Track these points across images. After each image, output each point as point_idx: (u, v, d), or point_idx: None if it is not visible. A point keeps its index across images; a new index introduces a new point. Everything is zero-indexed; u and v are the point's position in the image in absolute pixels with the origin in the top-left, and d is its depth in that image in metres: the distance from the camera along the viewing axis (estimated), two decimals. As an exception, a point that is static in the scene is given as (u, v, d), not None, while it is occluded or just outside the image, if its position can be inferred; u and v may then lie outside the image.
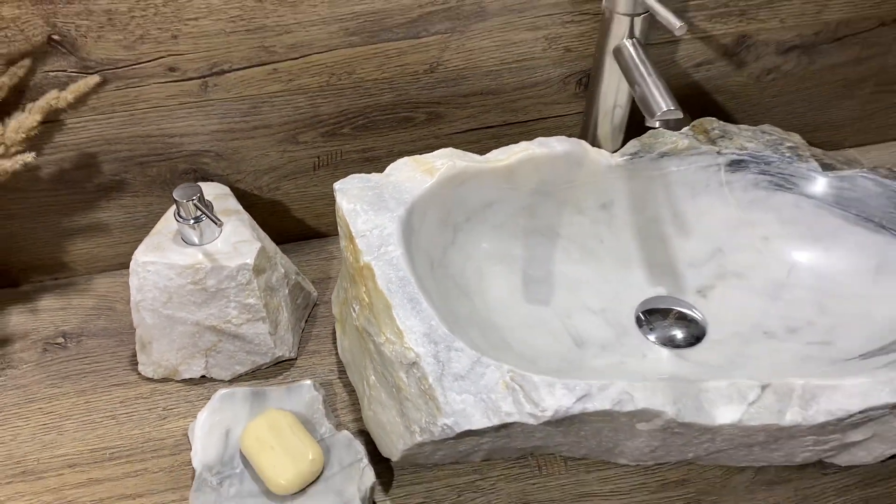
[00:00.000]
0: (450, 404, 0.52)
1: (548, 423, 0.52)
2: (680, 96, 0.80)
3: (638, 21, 0.66)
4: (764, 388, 0.54)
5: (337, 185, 0.63)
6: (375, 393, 0.59)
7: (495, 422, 0.52)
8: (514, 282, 0.69)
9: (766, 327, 0.69)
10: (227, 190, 0.71)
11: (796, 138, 0.75)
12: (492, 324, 0.65)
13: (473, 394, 0.52)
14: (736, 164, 0.73)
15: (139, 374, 0.69)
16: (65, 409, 0.66)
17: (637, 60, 0.65)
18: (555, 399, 0.51)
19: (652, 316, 0.70)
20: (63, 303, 0.75)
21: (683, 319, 0.70)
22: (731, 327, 0.69)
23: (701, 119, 0.76)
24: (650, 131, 0.74)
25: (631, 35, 0.67)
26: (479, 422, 0.52)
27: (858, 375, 0.55)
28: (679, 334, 0.69)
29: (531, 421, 0.51)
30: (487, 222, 0.69)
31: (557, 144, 0.70)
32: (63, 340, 0.72)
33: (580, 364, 0.64)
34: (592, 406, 0.51)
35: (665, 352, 0.68)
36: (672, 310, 0.71)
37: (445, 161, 0.66)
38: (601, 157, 0.71)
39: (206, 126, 0.69)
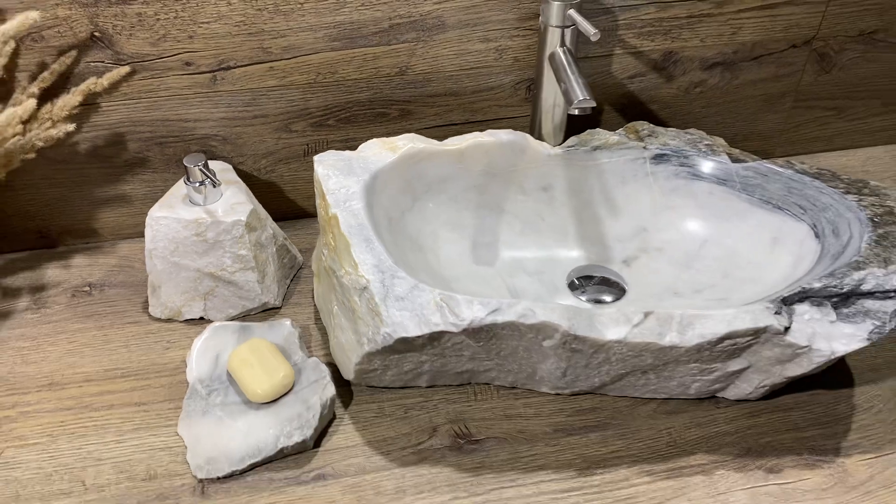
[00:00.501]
0: (390, 317, 0.65)
1: (467, 332, 0.65)
2: (618, 104, 0.94)
3: (567, 32, 0.80)
4: (647, 314, 0.66)
5: (316, 157, 0.77)
6: (337, 320, 0.72)
7: (425, 331, 0.64)
8: (464, 245, 0.83)
9: (677, 289, 0.81)
10: (229, 167, 0.85)
11: (719, 141, 0.88)
12: (440, 274, 0.78)
13: (410, 310, 0.65)
14: (659, 158, 0.86)
15: (149, 315, 0.82)
16: (86, 339, 0.80)
17: (565, 63, 0.79)
18: (472, 311, 0.64)
19: (581, 280, 0.83)
20: (91, 261, 0.89)
21: (608, 283, 0.83)
22: (648, 289, 0.82)
23: (634, 122, 0.89)
24: (588, 130, 0.88)
25: (562, 44, 0.81)
26: (412, 330, 0.65)
27: (728, 309, 0.67)
28: (602, 294, 0.82)
29: (453, 329, 0.64)
30: (444, 194, 0.82)
31: (503, 135, 0.84)
32: (89, 289, 0.86)
33: (513, 310, 0.77)
34: (502, 318, 0.64)
35: (587, 305, 0.80)
36: (598, 276, 0.83)
37: (407, 142, 0.80)
38: (542, 147, 0.85)
39: (215, 113, 0.84)
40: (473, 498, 0.67)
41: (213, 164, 0.85)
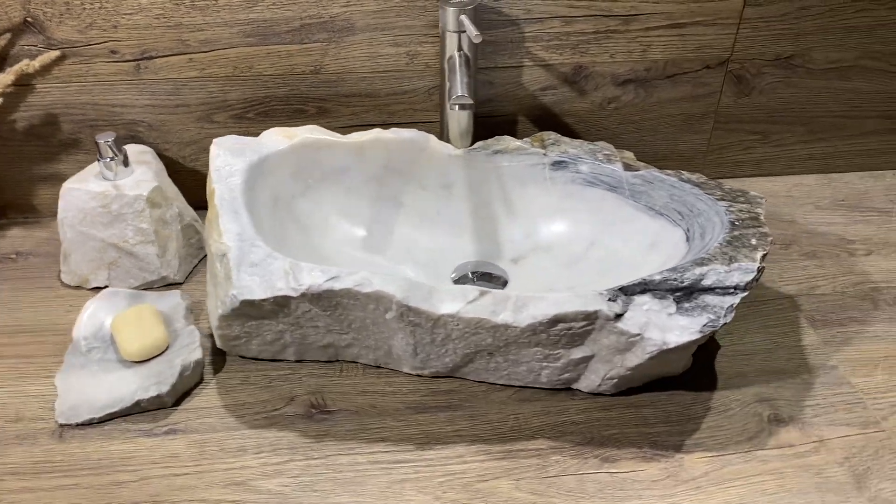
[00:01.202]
0: (240, 281, 0.69)
1: (308, 297, 0.68)
2: (532, 115, 0.98)
3: (463, 37, 0.84)
4: (484, 293, 0.69)
5: (216, 140, 0.83)
6: (211, 288, 0.76)
7: (269, 294, 0.68)
8: (357, 233, 0.86)
9: (554, 286, 0.83)
10: (150, 151, 0.92)
11: (627, 154, 0.90)
12: (325, 256, 0.82)
13: (260, 276, 0.69)
14: (558, 164, 0.89)
15: (61, 281, 0.88)
16: (-1, 299, 0.87)
17: (457, 65, 0.83)
18: (311, 278, 0.68)
19: (471, 274, 0.86)
20: (26, 234, 0.96)
21: (492, 278, 0.85)
22: (528, 284, 0.84)
23: (542, 132, 0.93)
24: (495, 137, 0.92)
25: (459, 48, 0.85)
26: (258, 293, 0.68)
27: (562, 293, 0.68)
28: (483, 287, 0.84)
29: (293, 293, 0.68)
30: (341, 184, 0.87)
31: (405, 133, 0.88)
32: (15, 257, 0.92)
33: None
34: (339, 285, 0.67)
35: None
36: (483, 271, 0.86)
37: (306, 133, 0.85)
38: (444, 148, 0.89)
39: (140, 100, 0.91)
40: (309, 461, 0.69)
41: (135, 147, 0.91)
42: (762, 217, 0.76)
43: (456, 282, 0.85)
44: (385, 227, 0.88)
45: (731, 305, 0.67)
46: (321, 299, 0.69)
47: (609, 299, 0.67)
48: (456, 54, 0.85)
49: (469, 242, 0.89)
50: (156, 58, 0.88)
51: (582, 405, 0.74)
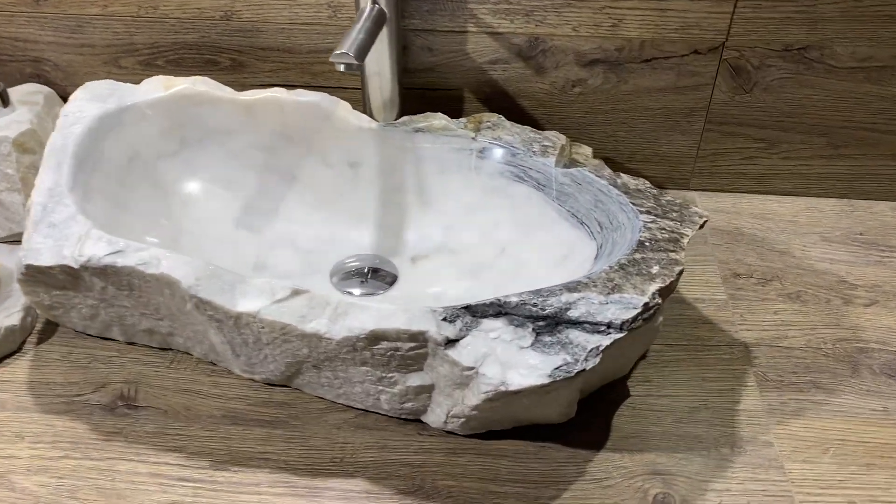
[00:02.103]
0: (30, 242, 0.59)
1: (91, 272, 0.57)
2: (480, 93, 0.83)
3: (379, -13, 0.71)
4: (298, 293, 0.56)
5: (87, 84, 0.73)
6: (36, 248, 0.67)
7: (53, 262, 0.58)
8: (233, 206, 0.75)
9: (441, 297, 0.69)
10: (46, 91, 0.83)
11: (584, 150, 0.75)
12: (180, 226, 0.71)
13: (55, 239, 0.59)
14: (487, 152, 0.74)
15: (-68, 223, 0.82)
16: None
17: (363, 18, 0.70)
18: (95, 248, 0.57)
19: (353, 269, 0.73)
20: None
21: (379, 277, 0.72)
22: (414, 290, 0.70)
23: (483, 114, 0.78)
24: (427, 113, 0.78)
25: (374, 1, 0.72)
26: (45, 259, 0.58)
27: (388, 304, 0.55)
28: (363, 288, 0.71)
29: (73, 264, 0.57)
30: (224, 148, 0.75)
31: (308, 95, 0.76)
32: None
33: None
34: (122, 261, 0.56)
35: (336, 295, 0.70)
36: (372, 267, 0.73)
37: (189, 84, 0.74)
38: (355, 118, 0.76)
39: (43, 36, 0.83)
40: (83, 461, 0.59)
41: (28, 87, 0.83)
42: (685, 241, 0.59)
43: (335, 276, 0.72)
44: (270, 205, 0.76)
45: (598, 348, 0.52)
46: (108, 275, 0.58)
47: (443, 318, 0.53)
48: (369, 5, 0.72)
49: (368, 233, 0.76)
50: (54, -11, 0.80)
51: (427, 443, 0.61)
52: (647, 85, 0.81)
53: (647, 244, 0.58)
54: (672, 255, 0.57)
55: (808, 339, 0.70)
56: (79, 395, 0.64)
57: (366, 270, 0.72)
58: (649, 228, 0.60)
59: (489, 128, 0.76)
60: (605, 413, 0.63)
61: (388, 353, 0.55)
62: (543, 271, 0.67)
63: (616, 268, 0.56)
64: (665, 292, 0.55)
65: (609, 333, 0.52)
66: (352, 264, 0.73)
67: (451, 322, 0.53)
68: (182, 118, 0.74)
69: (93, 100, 0.71)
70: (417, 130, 0.76)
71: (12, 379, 0.65)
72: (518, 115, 0.84)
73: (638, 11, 0.76)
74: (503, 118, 0.77)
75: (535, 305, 0.53)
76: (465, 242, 0.73)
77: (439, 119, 0.76)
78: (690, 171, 0.87)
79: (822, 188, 0.87)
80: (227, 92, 0.75)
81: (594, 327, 0.52)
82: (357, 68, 0.68)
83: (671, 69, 0.80)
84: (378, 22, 0.70)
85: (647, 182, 0.68)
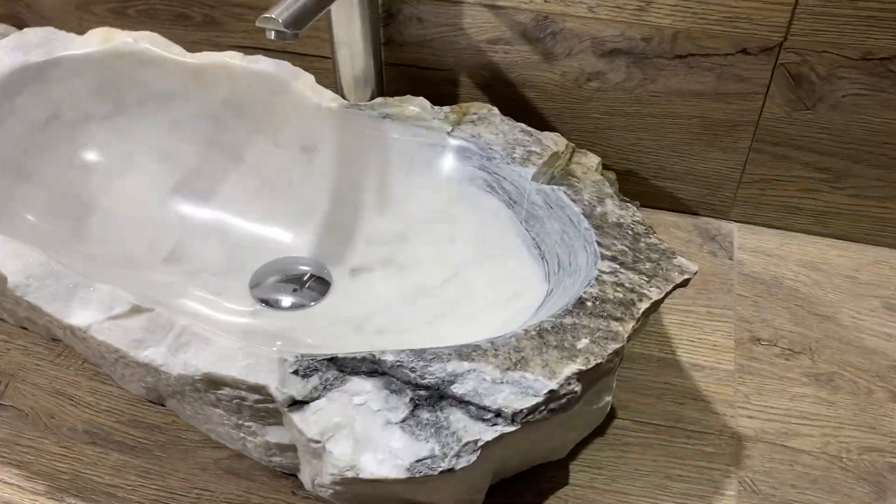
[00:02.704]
0: None
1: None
2: (480, 78, 0.70)
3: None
4: (139, 310, 0.45)
5: (26, 29, 0.66)
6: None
7: None
8: (164, 182, 0.65)
9: (366, 325, 0.57)
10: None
11: (590, 160, 0.60)
12: (90, 199, 0.62)
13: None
14: (461, 152, 0.62)
15: None
16: None
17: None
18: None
19: (276, 274, 0.62)
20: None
21: (306, 288, 0.61)
22: (341, 309, 0.59)
23: (473, 103, 0.65)
24: (405, 96, 0.66)
25: (338, -43, 0.60)
26: None
27: (237, 343, 0.43)
28: (285, 299, 0.60)
29: None
30: (165, 115, 0.66)
31: (264, 64, 0.65)
32: None
33: (142, 272, 0.59)
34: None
35: (250, 306, 0.59)
36: (300, 277, 0.62)
37: (132, 39, 0.65)
38: (315, 94, 0.65)
39: (14, -28, 0.76)
40: (-86, 464, 0.52)
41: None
42: (641, 308, 0.44)
43: (256, 281, 0.62)
44: (206, 186, 0.66)
45: (476, 443, 0.39)
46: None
47: (294, 371, 0.42)
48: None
49: (311, 232, 0.65)
50: (19, -80, 0.72)
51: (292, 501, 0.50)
52: (679, 87, 0.65)
53: (588, 304, 0.44)
54: (614, 325, 0.42)
55: (826, 442, 0.54)
56: (-57, 383, 0.57)
57: (301, 278, 0.61)
58: (602, 282, 0.45)
59: (472, 121, 0.63)
60: (526, 504, 0.50)
61: (235, 402, 0.44)
62: (487, 309, 0.54)
63: (533, 333, 0.42)
64: (591, 377, 0.41)
65: (495, 424, 0.39)
66: (280, 268, 0.62)
67: (304, 377, 0.41)
68: (117, 77, 0.65)
69: (16, 49, 0.63)
70: (385, 116, 0.63)
71: None
72: (521, 108, 0.70)
73: (672, -6, 0.60)
74: (495, 110, 0.64)
75: (413, 370, 0.41)
76: (416, 257, 0.61)
77: (414, 105, 0.64)
78: (732, 199, 0.70)
79: (900, 238, 0.68)
80: (176, 52, 0.65)
81: (480, 412, 0.39)
82: (292, 38, 0.56)
83: (711, 70, 0.63)
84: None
85: (637, 213, 0.53)
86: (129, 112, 0.66)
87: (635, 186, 0.72)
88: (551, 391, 0.39)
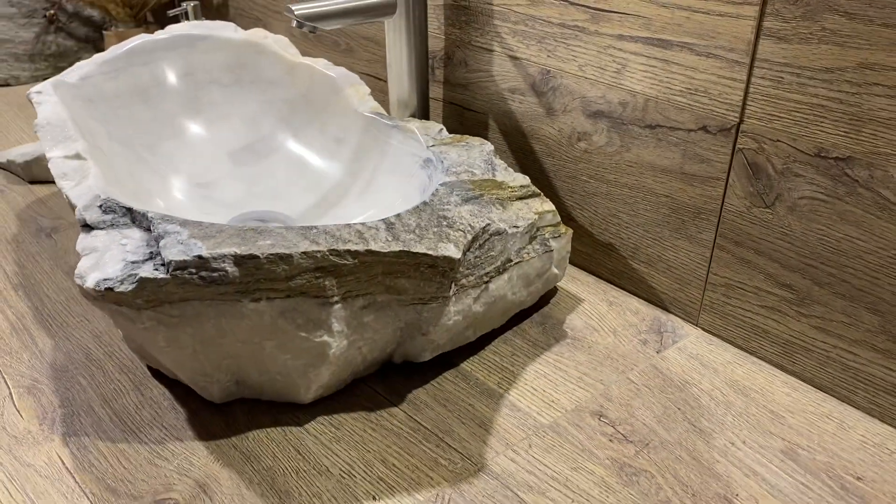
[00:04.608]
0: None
1: None
2: (502, 123, 0.76)
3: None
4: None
5: (209, 21, 0.90)
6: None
7: None
8: (235, 141, 0.83)
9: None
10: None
11: (545, 205, 0.64)
12: (179, 128, 0.82)
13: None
14: (426, 163, 0.69)
15: None
16: None
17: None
18: None
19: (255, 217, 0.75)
20: None
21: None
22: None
23: (476, 137, 0.72)
24: (427, 121, 0.75)
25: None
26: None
27: None
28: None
29: None
30: (265, 94, 0.84)
31: (334, 71, 0.80)
32: None
33: (183, 184, 0.77)
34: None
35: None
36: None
37: (264, 36, 0.85)
38: (355, 100, 0.78)
39: (259, -1, 1.04)
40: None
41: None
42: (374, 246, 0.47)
43: (238, 219, 0.75)
44: (263, 151, 0.82)
45: (138, 275, 0.46)
46: None
47: (100, 206, 0.54)
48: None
49: (299, 203, 0.76)
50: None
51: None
52: (651, 160, 0.63)
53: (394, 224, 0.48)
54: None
55: (565, 513, 0.47)
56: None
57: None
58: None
59: (457, 146, 0.69)
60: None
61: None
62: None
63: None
64: (251, 264, 0.45)
65: (157, 268, 0.46)
66: (260, 217, 0.75)
67: (105, 212, 0.53)
68: (245, 60, 0.85)
69: (193, 27, 0.87)
70: (394, 127, 0.73)
71: None
72: (530, 160, 0.74)
73: (641, 60, 0.61)
74: (486, 144, 0.69)
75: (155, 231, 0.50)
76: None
77: (413, 121, 0.73)
78: (699, 301, 0.64)
79: (867, 398, 0.55)
80: (291, 52, 0.84)
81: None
82: (311, 31, 0.70)
83: (677, 146, 0.61)
84: (375, 7, 0.71)
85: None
86: (243, 86, 0.86)
87: (616, 264, 0.69)
88: (201, 257, 0.45)
